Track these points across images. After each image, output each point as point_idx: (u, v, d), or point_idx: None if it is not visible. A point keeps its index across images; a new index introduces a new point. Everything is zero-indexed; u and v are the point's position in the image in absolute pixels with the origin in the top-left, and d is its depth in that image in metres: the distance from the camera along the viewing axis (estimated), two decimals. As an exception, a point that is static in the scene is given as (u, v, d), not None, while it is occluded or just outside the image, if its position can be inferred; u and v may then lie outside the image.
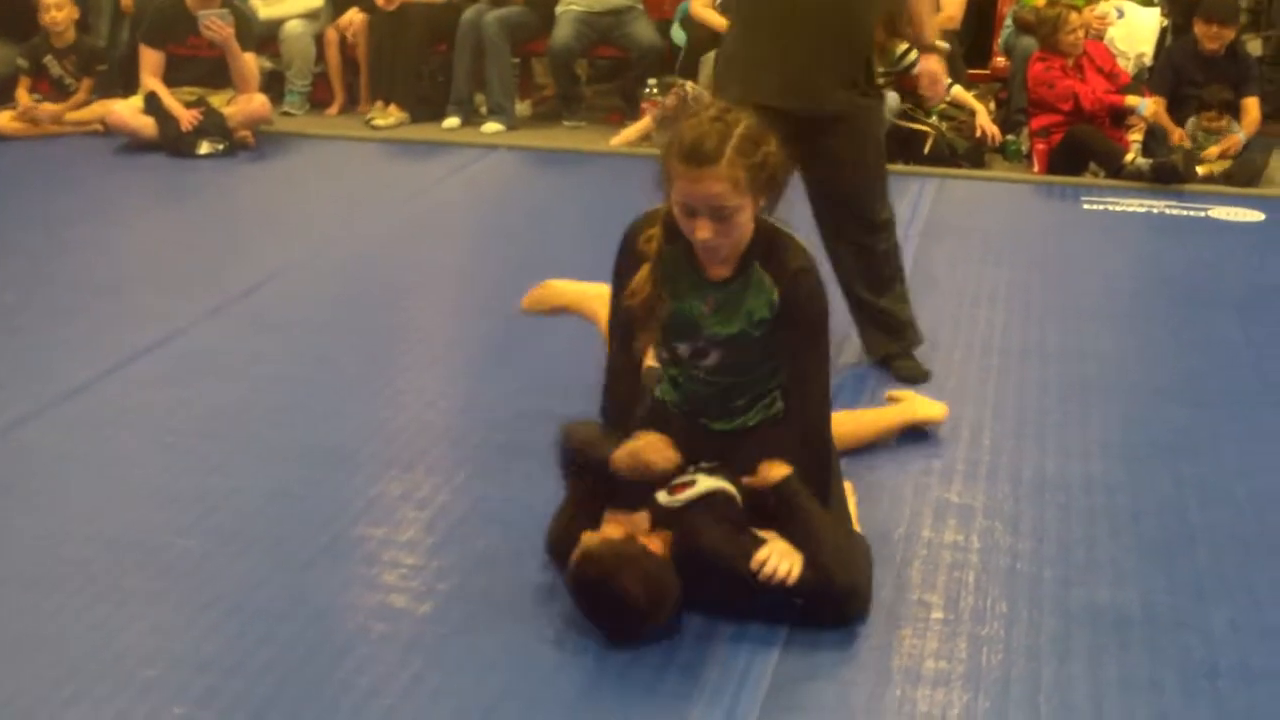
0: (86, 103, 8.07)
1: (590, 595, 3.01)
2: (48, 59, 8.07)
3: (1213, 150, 7.34)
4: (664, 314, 3.13)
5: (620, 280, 3.18)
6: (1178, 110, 7.58)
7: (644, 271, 3.11)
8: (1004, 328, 5.03)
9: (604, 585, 2.96)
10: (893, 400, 4.17)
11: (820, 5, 4.15)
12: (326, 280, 5.55)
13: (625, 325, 3.18)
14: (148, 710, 2.77)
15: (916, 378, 4.45)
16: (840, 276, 4.45)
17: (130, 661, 2.93)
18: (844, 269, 4.46)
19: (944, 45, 4.60)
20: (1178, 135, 7.43)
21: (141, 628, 3.06)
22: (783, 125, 4.16)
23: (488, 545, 3.42)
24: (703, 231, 2.96)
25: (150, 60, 7.68)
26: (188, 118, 7.48)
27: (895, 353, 4.53)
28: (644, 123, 7.93)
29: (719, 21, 7.81)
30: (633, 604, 2.94)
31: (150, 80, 7.64)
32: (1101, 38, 7.88)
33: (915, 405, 4.09)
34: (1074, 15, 7.49)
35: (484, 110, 8.55)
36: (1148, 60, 8.14)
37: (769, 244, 3.08)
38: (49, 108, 7.99)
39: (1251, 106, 7.68)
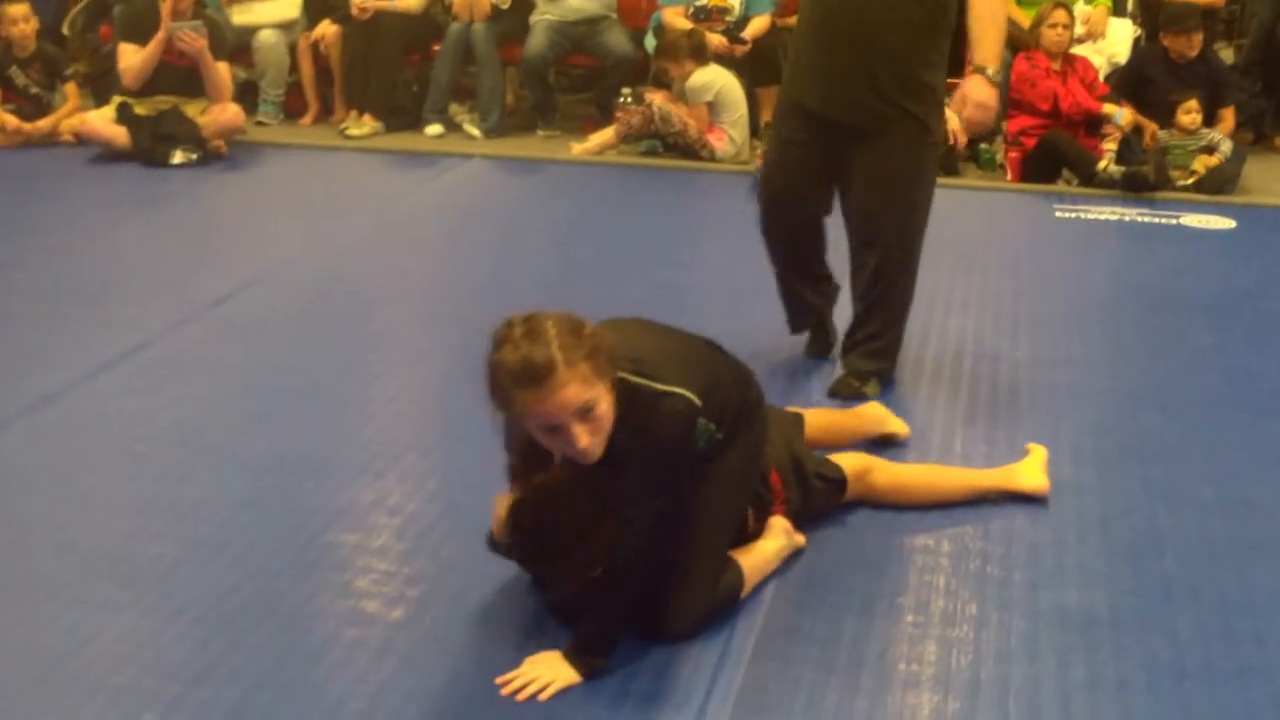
0: (79, 108, 8.08)
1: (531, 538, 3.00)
2: (12, 70, 8.05)
3: (1200, 163, 7.32)
4: None
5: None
6: (1145, 114, 7.61)
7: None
8: (976, 334, 5.06)
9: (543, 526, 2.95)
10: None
11: (870, 18, 4.14)
12: (298, 289, 5.55)
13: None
14: (118, 717, 2.77)
15: (850, 396, 4.36)
16: (852, 289, 4.48)
17: (99, 669, 2.92)
18: (855, 285, 4.46)
19: (991, 70, 4.22)
20: (1150, 132, 7.46)
21: (111, 635, 3.05)
22: (821, 132, 4.28)
23: (458, 551, 3.42)
24: (580, 439, 2.76)
25: (131, 55, 7.64)
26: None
27: (861, 369, 4.45)
28: (606, 135, 7.95)
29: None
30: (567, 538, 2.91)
31: (129, 75, 7.61)
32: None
33: (1017, 474, 3.80)
34: (1059, 12, 7.54)
35: (458, 119, 8.59)
36: (1121, 60, 8.19)
37: (632, 410, 2.85)
38: (41, 124, 7.99)
39: (1227, 115, 7.74)
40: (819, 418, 3.90)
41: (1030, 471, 3.79)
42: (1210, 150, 7.37)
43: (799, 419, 3.73)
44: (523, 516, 2.99)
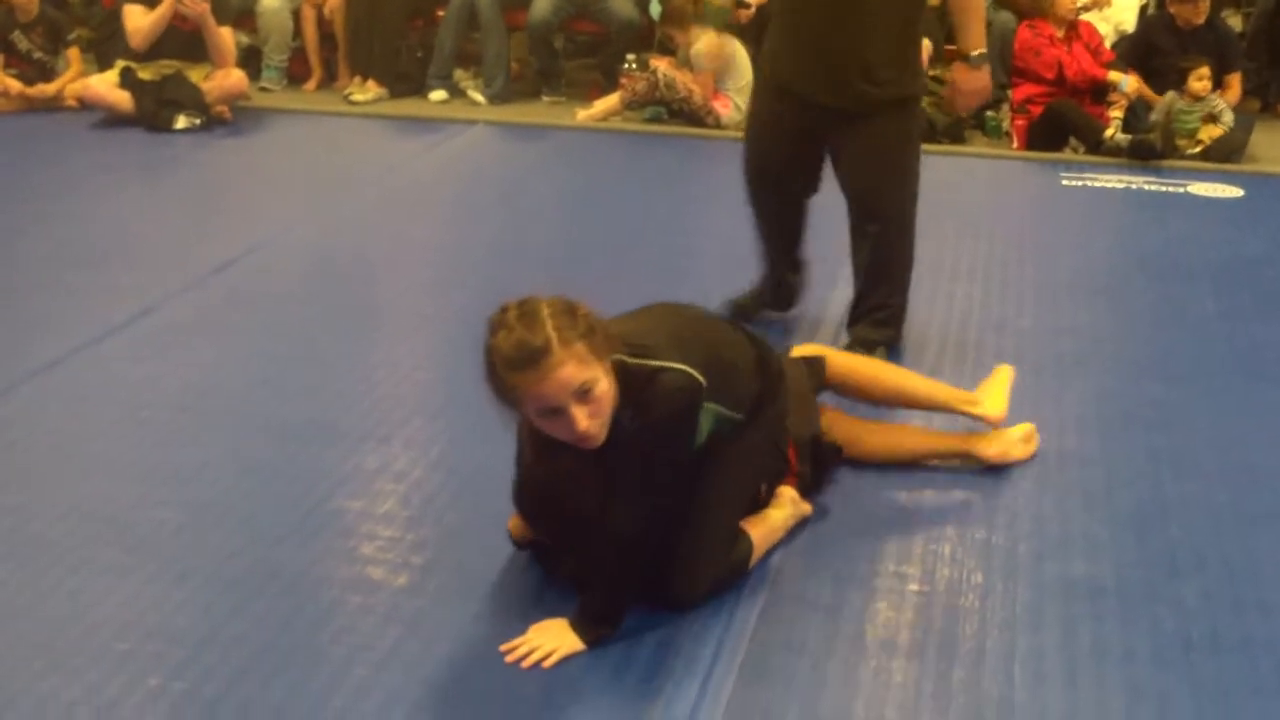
0: (82, 73, 8.06)
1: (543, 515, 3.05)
2: (15, 34, 8.02)
3: (1205, 132, 7.29)
4: None
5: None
6: (1153, 82, 7.58)
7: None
8: (981, 303, 5.05)
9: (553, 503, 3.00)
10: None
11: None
12: (302, 255, 5.54)
13: None
14: (122, 682, 2.77)
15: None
16: (853, 263, 4.49)
17: (104, 634, 2.92)
18: (856, 258, 4.46)
19: (976, 55, 4.22)
20: (1163, 105, 7.43)
21: (115, 600, 3.05)
22: (804, 113, 4.26)
23: (463, 517, 3.42)
24: (580, 421, 2.72)
25: (137, 16, 7.61)
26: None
27: (868, 339, 4.44)
28: (610, 101, 7.94)
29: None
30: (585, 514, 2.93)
31: (137, 37, 7.58)
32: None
33: (976, 401, 3.79)
34: None
35: (463, 85, 8.57)
36: (1128, 28, 8.17)
37: (631, 391, 2.83)
38: (44, 89, 7.96)
39: (1234, 82, 7.71)
40: (845, 363, 3.77)
41: (991, 398, 3.76)
42: (1214, 118, 7.33)
43: (817, 366, 3.65)
44: (533, 477, 3.01)
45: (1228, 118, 7.35)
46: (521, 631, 2.92)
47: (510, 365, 2.71)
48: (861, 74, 4.14)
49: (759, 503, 3.32)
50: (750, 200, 4.60)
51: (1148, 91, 7.54)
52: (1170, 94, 7.39)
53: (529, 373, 2.70)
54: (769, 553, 3.27)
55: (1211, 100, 7.38)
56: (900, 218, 4.38)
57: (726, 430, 3.08)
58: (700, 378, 2.89)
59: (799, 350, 3.78)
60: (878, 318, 4.45)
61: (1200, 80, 7.36)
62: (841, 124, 4.24)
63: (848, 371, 3.72)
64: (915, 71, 4.29)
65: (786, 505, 3.36)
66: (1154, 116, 7.35)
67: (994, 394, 3.84)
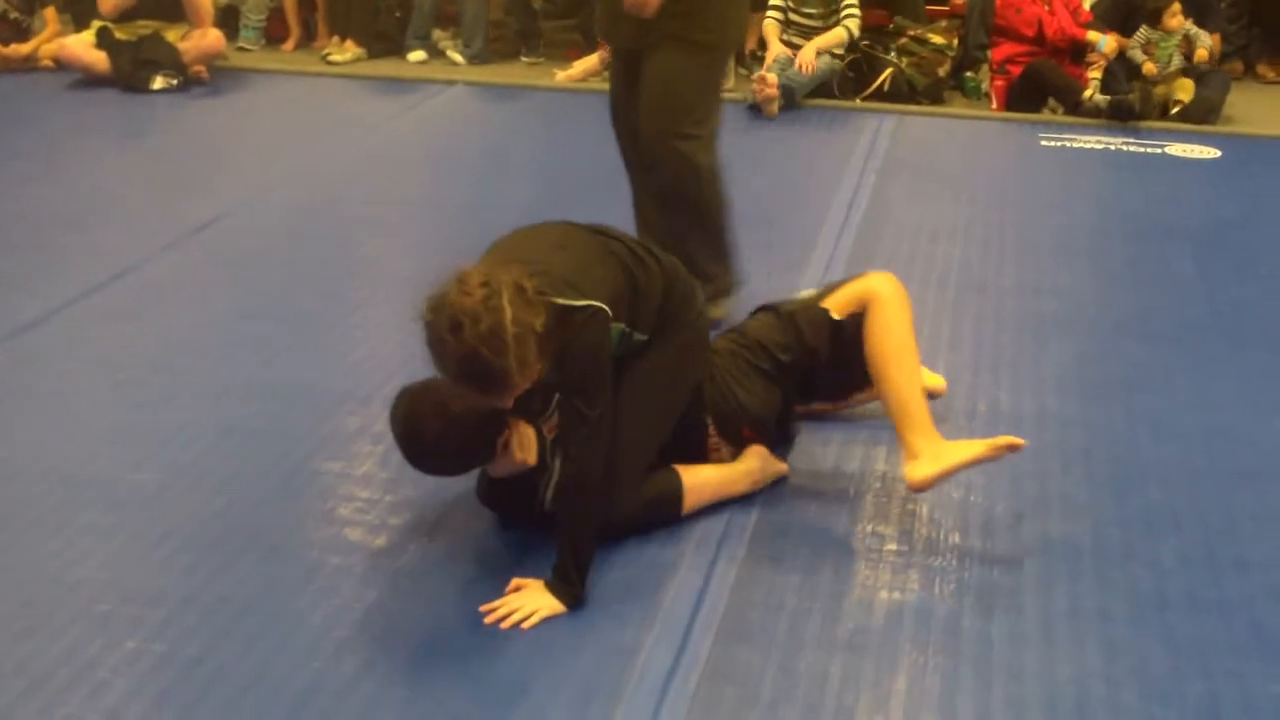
0: (58, 33, 7.99)
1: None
2: None
3: (1183, 91, 7.29)
4: None
5: None
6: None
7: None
8: (961, 263, 5.04)
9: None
10: None
11: None
12: (281, 216, 5.51)
13: None
14: (101, 643, 2.77)
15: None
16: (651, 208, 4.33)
17: (83, 595, 2.92)
18: (657, 201, 4.29)
19: None
20: (1148, 67, 7.41)
21: (94, 562, 3.05)
22: (630, 60, 4.23)
23: (440, 480, 3.40)
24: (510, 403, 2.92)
25: None
26: None
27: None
28: (590, 61, 7.91)
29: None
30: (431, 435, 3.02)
31: (108, 7, 7.51)
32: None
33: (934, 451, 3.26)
34: None
35: (441, 45, 8.53)
36: None
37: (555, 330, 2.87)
38: (20, 49, 7.90)
39: (1213, 41, 7.71)
40: (881, 327, 3.44)
41: (933, 460, 3.23)
42: (1190, 43, 7.33)
43: (850, 323, 3.44)
44: (398, 408, 3.09)
45: (1205, 40, 7.35)
46: (500, 593, 2.93)
47: (465, 381, 2.80)
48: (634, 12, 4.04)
49: (718, 460, 3.36)
50: (622, 159, 4.47)
51: (1125, 42, 7.53)
52: (1143, 27, 7.38)
53: (483, 393, 2.82)
54: (746, 512, 3.28)
55: (1187, 26, 7.37)
56: (675, 159, 4.15)
57: (630, 346, 3.12)
58: (604, 307, 2.94)
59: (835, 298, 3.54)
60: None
61: (1174, 17, 7.36)
62: (641, 65, 4.17)
63: (876, 329, 3.41)
64: (713, 21, 4.11)
65: (752, 460, 3.36)
66: (1130, 51, 7.34)
67: (944, 455, 3.22)
